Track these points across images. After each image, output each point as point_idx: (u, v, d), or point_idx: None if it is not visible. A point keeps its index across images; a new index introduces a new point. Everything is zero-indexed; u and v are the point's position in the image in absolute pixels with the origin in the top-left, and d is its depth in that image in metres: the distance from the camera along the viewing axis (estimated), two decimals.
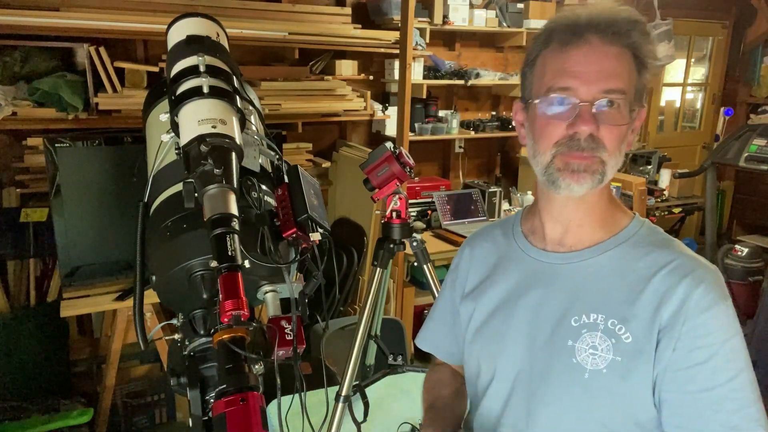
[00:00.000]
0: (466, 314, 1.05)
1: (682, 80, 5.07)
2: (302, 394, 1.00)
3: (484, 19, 3.52)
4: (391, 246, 1.88)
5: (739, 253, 3.61)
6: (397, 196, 1.83)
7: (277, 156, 1.19)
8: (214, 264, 0.85)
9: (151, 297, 1.13)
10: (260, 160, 1.14)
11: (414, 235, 1.91)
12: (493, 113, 3.93)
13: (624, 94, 0.84)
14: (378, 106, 3.35)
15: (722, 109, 4.98)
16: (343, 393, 1.85)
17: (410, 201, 3.28)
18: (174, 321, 1.05)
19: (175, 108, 1.07)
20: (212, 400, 0.86)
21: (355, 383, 1.90)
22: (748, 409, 0.80)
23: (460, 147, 3.88)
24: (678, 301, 0.83)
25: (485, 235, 1.10)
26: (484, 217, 3.49)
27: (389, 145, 1.75)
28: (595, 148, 0.84)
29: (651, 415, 0.86)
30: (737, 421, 0.80)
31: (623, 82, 0.84)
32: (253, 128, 1.15)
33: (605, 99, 0.83)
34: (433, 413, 1.07)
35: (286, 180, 1.13)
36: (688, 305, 0.82)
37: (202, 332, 0.99)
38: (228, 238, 0.86)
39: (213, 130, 0.99)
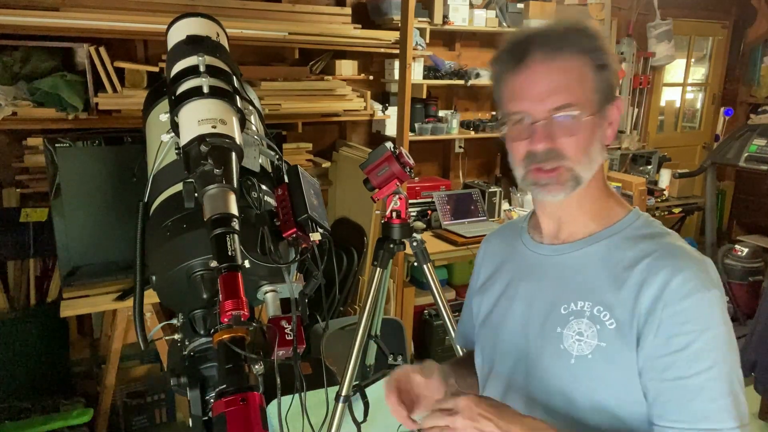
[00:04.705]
0: (476, 307, 1.11)
1: (682, 80, 5.07)
2: (302, 394, 1.00)
3: (484, 19, 3.52)
4: (391, 246, 1.88)
5: (739, 253, 3.62)
6: (397, 196, 1.83)
7: (277, 156, 1.19)
8: (214, 264, 0.85)
9: (151, 297, 1.13)
10: (260, 160, 1.14)
11: (414, 235, 1.91)
12: (493, 113, 3.93)
13: (574, 105, 0.86)
14: (378, 106, 3.35)
15: (722, 109, 4.98)
16: (343, 393, 1.85)
17: (410, 201, 3.29)
18: (174, 321, 1.05)
19: (175, 108, 1.07)
20: (212, 400, 0.86)
21: (355, 383, 1.89)
22: (722, 400, 0.81)
23: (460, 147, 3.88)
24: (657, 288, 0.84)
25: (499, 232, 1.16)
26: (484, 217, 3.49)
27: (389, 145, 1.75)
28: (555, 158, 0.88)
29: (639, 402, 0.86)
30: (709, 412, 0.80)
31: (572, 95, 0.87)
32: (253, 128, 1.15)
33: (556, 115, 0.87)
34: (451, 361, 1.17)
35: (286, 180, 1.13)
36: (667, 291, 0.83)
37: (202, 332, 0.99)
38: (228, 238, 0.86)
39: (213, 130, 0.99)
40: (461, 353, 1.31)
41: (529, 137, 0.88)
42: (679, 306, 0.82)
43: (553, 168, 0.88)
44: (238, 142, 1.01)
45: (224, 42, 1.28)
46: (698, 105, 5.31)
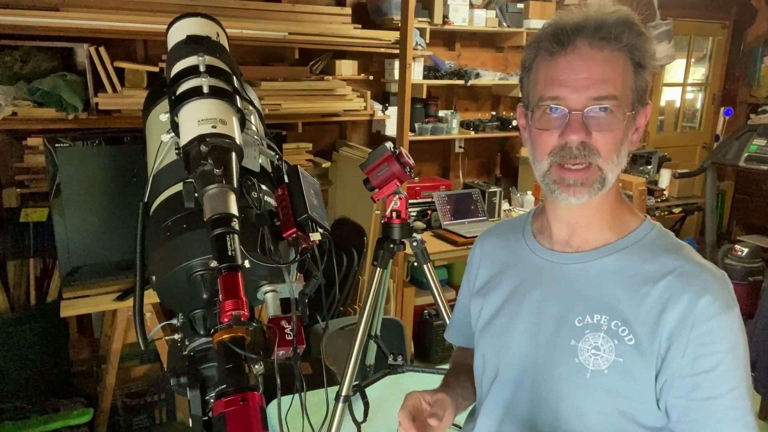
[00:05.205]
0: (476, 310, 1.07)
1: (682, 80, 5.06)
2: (302, 394, 1.00)
3: (484, 19, 3.52)
4: (391, 246, 1.88)
5: (739, 253, 3.62)
6: (397, 196, 1.83)
7: (277, 156, 1.19)
8: (214, 264, 0.85)
9: (151, 297, 1.13)
10: (260, 160, 1.14)
11: (414, 235, 1.90)
12: (493, 113, 3.93)
13: (616, 99, 0.83)
14: (378, 106, 3.35)
15: (722, 109, 4.98)
16: (343, 393, 1.85)
17: (410, 201, 3.29)
18: (174, 321, 1.05)
19: (175, 108, 1.07)
20: (212, 400, 0.86)
21: (355, 383, 1.89)
22: (747, 417, 0.83)
23: (460, 147, 3.88)
24: (683, 308, 0.83)
25: (497, 232, 1.11)
26: (484, 217, 3.49)
27: (389, 145, 1.75)
28: (588, 154, 0.84)
29: (654, 418, 0.86)
30: (738, 429, 0.82)
31: (615, 88, 0.83)
32: (253, 128, 1.15)
33: (596, 106, 0.83)
34: (452, 372, 1.16)
35: (286, 180, 1.13)
36: (694, 312, 0.82)
37: (202, 332, 0.99)
38: (228, 238, 0.86)
39: (213, 130, 0.99)
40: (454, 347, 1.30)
41: (561, 128, 0.84)
42: (705, 327, 0.82)
43: (583, 167, 0.84)
44: (238, 142, 1.01)
45: (224, 42, 1.28)
46: (698, 105, 5.31)
